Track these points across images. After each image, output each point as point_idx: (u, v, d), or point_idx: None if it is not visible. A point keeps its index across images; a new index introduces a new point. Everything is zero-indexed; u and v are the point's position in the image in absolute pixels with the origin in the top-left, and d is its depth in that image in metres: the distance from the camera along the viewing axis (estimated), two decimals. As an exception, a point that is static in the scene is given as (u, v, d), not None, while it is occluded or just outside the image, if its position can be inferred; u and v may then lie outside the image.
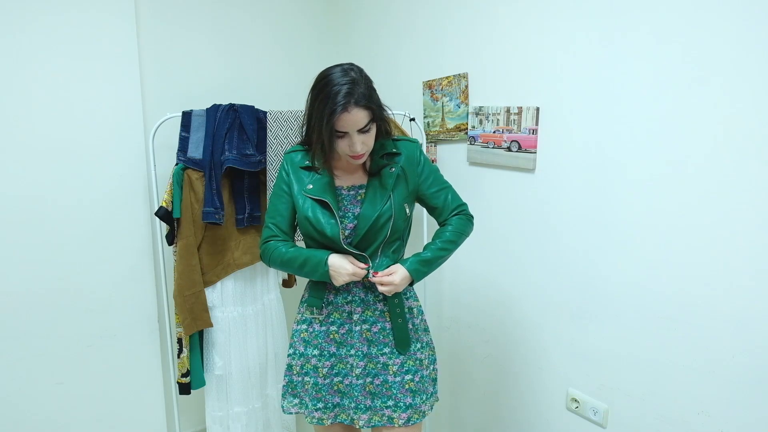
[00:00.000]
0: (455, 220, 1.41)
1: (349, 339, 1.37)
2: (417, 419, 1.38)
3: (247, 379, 1.94)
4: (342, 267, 1.28)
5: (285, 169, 1.39)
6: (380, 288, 1.31)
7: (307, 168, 1.37)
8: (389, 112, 1.35)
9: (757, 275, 1.14)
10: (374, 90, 1.27)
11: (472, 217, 1.46)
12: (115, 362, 1.98)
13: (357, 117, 1.21)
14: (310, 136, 1.31)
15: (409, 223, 1.42)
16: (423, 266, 1.35)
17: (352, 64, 1.26)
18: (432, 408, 1.45)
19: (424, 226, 1.99)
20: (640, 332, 1.39)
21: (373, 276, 1.31)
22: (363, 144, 1.25)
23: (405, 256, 1.40)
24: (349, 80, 1.20)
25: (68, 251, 1.85)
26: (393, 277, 1.30)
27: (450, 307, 2.04)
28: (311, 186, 1.35)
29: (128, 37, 1.88)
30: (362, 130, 1.23)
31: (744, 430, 1.21)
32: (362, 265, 1.31)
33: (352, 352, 1.37)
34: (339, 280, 1.29)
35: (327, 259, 1.29)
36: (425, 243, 2.02)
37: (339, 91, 1.18)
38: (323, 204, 1.33)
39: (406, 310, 1.39)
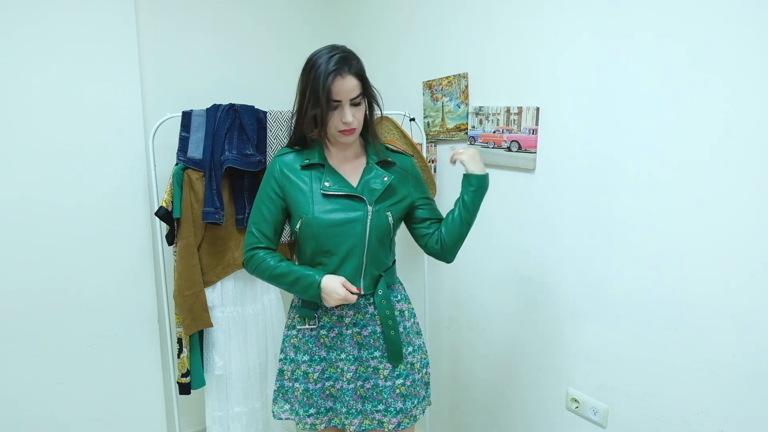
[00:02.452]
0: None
1: (339, 343, 1.35)
2: (407, 424, 1.37)
3: (247, 379, 1.94)
4: (334, 291, 1.24)
5: (276, 172, 1.34)
6: (458, 156, 1.35)
7: (308, 167, 1.33)
8: (378, 96, 1.34)
9: (756, 275, 1.14)
10: (364, 69, 1.29)
11: None
12: (115, 362, 1.98)
13: (350, 84, 1.23)
14: (303, 119, 1.29)
15: (392, 241, 1.39)
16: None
17: (342, 45, 1.28)
18: (424, 412, 1.44)
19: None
20: (640, 332, 1.38)
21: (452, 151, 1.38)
22: (354, 117, 1.25)
23: (400, 272, 1.40)
24: (340, 51, 1.24)
25: (68, 251, 1.85)
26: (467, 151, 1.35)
27: (450, 307, 2.04)
28: (329, 183, 1.30)
29: (128, 37, 1.89)
30: (354, 102, 1.25)
31: (744, 430, 1.21)
32: (355, 289, 1.27)
33: (343, 356, 1.35)
34: (330, 303, 1.26)
35: (320, 282, 1.26)
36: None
37: (331, 61, 1.21)
38: (352, 198, 1.29)
39: (398, 313, 1.38)
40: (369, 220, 1.29)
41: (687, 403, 1.30)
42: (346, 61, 1.22)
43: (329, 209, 1.29)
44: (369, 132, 1.36)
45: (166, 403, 2.11)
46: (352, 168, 1.36)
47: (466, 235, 1.37)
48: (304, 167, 1.33)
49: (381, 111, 1.37)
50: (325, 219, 1.28)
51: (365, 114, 1.31)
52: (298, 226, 1.31)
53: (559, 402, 1.64)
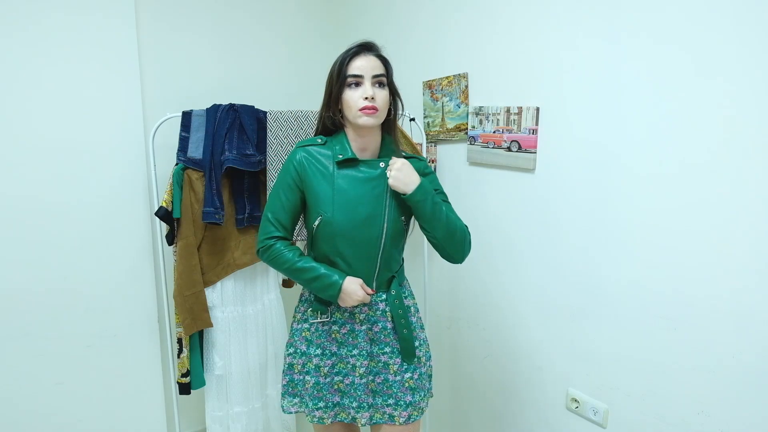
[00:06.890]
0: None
1: (352, 339, 1.37)
2: (417, 416, 1.39)
3: (247, 379, 1.94)
4: (354, 293, 1.27)
5: (296, 162, 1.31)
6: (388, 172, 1.25)
7: (344, 162, 1.29)
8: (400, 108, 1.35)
9: (757, 275, 1.14)
10: (390, 63, 1.30)
11: (470, 242, 1.37)
12: (115, 362, 1.98)
13: (372, 62, 1.25)
14: (328, 102, 1.29)
15: (404, 241, 1.40)
16: (429, 191, 1.26)
17: None
18: (427, 404, 1.46)
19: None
20: (640, 332, 1.39)
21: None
22: (376, 96, 1.23)
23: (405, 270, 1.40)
24: (363, 41, 1.28)
25: (68, 251, 1.84)
26: (396, 165, 1.25)
27: (450, 307, 2.04)
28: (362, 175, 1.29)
29: (128, 38, 1.88)
30: (377, 81, 1.25)
31: (744, 430, 1.21)
32: (369, 290, 1.30)
33: (355, 352, 1.37)
34: (348, 304, 1.29)
35: (342, 285, 1.27)
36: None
37: (353, 46, 1.26)
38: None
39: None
40: (385, 225, 1.30)
41: (687, 403, 1.30)
42: (369, 45, 1.27)
43: (351, 208, 1.27)
44: (388, 127, 1.34)
45: (166, 403, 2.11)
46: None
47: (443, 239, 1.30)
48: (341, 164, 1.29)
49: (403, 108, 1.37)
50: (345, 220, 1.27)
51: (389, 110, 1.31)
52: (316, 223, 1.30)
53: (559, 402, 1.64)
